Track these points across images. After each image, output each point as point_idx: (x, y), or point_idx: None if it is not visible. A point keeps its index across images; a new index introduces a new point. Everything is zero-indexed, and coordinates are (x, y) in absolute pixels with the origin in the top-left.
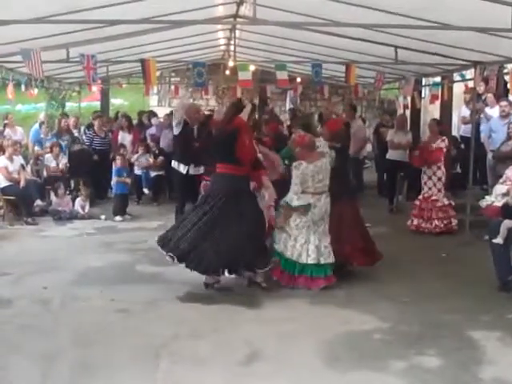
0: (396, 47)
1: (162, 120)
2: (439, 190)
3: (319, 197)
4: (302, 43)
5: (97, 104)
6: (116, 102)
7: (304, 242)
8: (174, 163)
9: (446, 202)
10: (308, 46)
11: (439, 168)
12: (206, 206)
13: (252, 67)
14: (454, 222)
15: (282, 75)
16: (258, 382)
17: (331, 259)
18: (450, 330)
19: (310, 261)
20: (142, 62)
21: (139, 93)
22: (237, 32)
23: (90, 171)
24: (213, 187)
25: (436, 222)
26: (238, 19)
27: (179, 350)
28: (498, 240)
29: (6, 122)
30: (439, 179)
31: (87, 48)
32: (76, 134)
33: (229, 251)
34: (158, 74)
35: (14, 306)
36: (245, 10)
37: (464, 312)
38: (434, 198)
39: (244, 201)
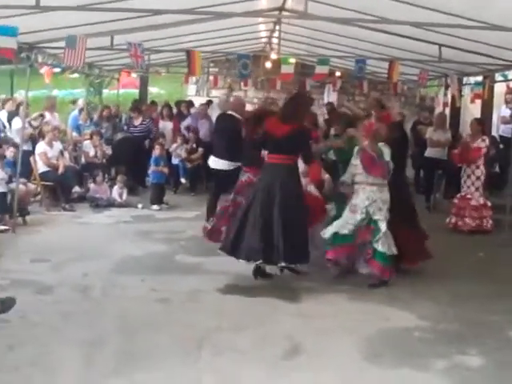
0: (440, 45)
1: (197, 110)
2: (476, 189)
3: None
4: (345, 38)
5: (134, 92)
6: (153, 90)
7: None
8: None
9: (482, 202)
10: (351, 41)
11: (478, 167)
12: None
13: (292, 60)
14: (489, 222)
15: (321, 69)
16: (299, 376)
17: None
18: (490, 330)
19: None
20: (188, 52)
21: (176, 82)
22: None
23: (131, 159)
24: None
25: (467, 220)
26: (285, 13)
27: (221, 341)
28: None
29: (45, 109)
30: (477, 178)
31: (129, 36)
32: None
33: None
34: None
35: (55, 292)
36: (292, 3)
37: (504, 313)
38: (468, 196)
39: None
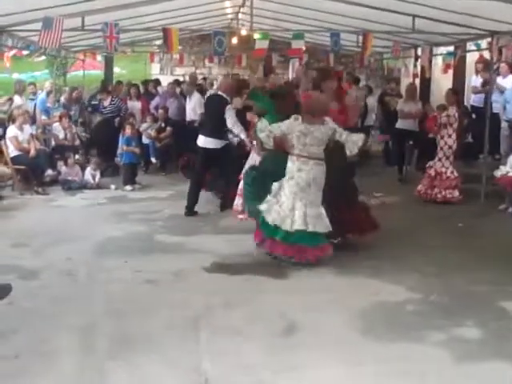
0: (414, 16)
1: (165, 89)
2: (439, 160)
3: (306, 161)
4: (315, 11)
5: (97, 73)
6: (115, 70)
7: (291, 208)
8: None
9: (438, 171)
10: (320, 15)
11: (442, 138)
12: None
13: (256, 35)
14: (455, 192)
15: (297, 44)
16: (299, 353)
17: (322, 228)
18: (481, 301)
19: (296, 227)
20: (164, 30)
21: (138, 61)
22: (249, 0)
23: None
24: None
25: (435, 190)
26: None
27: (216, 321)
28: None
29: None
30: (441, 149)
31: (98, 17)
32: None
33: None
34: (159, 42)
35: (40, 277)
36: None
37: (491, 283)
38: (437, 166)
39: None
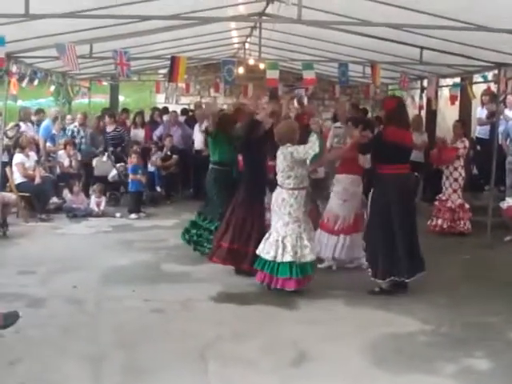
0: (421, 48)
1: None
2: (454, 191)
3: None
4: (319, 41)
5: (101, 101)
6: (119, 98)
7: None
8: None
9: (458, 204)
10: (324, 45)
11: (456, 169)
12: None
13: (262, 65)
14: (466, 224)
15: (308, 74)
16: (312, 383)
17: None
18: (492, 333)
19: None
20: (172, 58)
21: (142, 90)
22: (256, 30)
23: None
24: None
25: (439, 221)
26: (265, 17)
27: (225, 351)
28: None
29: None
30: (455, 180)
31: (106, 45)
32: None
33: None
34: (165, 71)
35: (47, 306)
36: (274, 8)
37: (502, 314)
38: (444, 198)
39: None
